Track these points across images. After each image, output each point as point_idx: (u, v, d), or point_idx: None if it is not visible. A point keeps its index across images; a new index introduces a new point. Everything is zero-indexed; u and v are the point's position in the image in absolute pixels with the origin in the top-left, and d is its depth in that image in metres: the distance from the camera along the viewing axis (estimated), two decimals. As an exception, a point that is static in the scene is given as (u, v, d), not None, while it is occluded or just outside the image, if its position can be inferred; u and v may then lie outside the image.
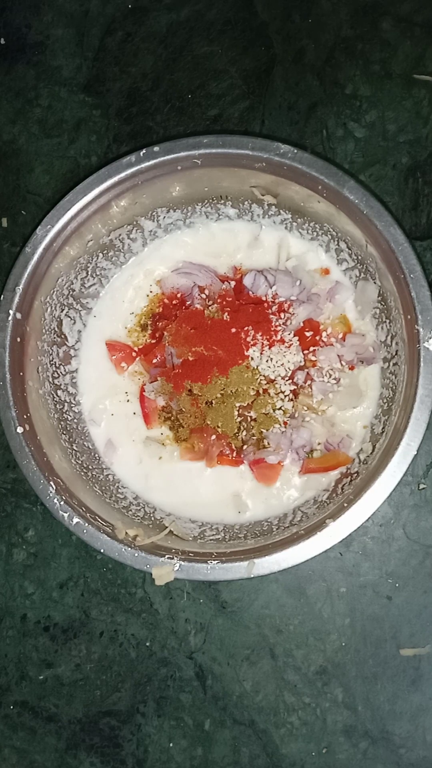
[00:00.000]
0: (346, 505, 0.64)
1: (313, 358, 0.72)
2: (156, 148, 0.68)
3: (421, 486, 0.73)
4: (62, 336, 0.75)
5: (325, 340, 0.73)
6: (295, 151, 0.66)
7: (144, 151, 0.68)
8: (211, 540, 0.70)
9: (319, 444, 0.72)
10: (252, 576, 0.63)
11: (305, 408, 0.72)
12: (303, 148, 0.68)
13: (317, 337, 0.73)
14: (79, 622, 0.75)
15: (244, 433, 0.72)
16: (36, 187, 0.81)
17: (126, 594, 0.75)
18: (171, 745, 0.73)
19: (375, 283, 0.70)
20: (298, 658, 0.73)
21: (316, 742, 0.72)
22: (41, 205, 0.80)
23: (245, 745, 0.72)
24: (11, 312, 0.68)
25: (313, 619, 0.73)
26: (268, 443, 0.71)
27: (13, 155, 0.81)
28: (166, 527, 0.69)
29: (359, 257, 0.71)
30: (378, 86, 0.78)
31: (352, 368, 0.72)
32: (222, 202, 0.74)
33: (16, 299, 0.68)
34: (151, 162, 0.68)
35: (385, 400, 0.70)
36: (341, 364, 0.72)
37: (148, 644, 0.74)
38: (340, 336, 0.73)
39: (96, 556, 0.75)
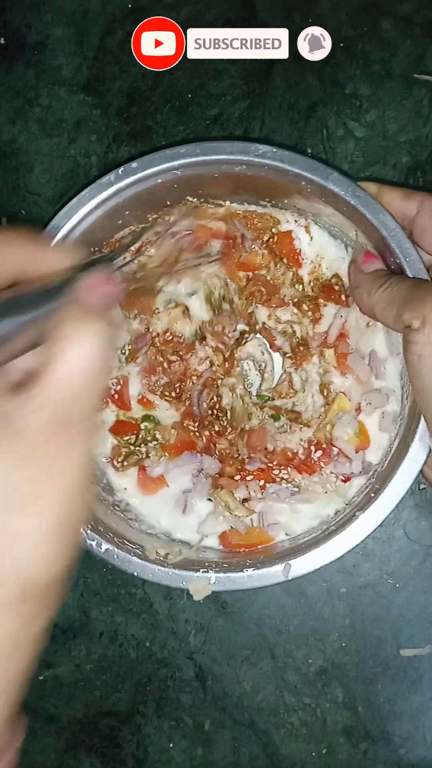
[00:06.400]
0: (372, 495, 0.62)
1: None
2: (134, 164, 0.65)
3: (421, 486, 0.73)
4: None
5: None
6: (275, 150, 0.63)
7: (122, 168, 0.65)
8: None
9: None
10: (289, 578, 0.61)
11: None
12: (292, 147, 0.67)
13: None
14: (79, 623, 0.75)
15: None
16: (36, 186, 0.81)
17: (126, 594, 0.75)
18: (171, 745, 0.73)
19: None
20: (298, 659, 0.72)
21: (317, 743, 0.72)
22: (41, 205, 0.80)
23: (245, 746, 0.72)
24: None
25: (313, 619, 0.73)
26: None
27: (13, 155, 0.81)
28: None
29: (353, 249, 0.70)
30: (378, 86, 0.78)
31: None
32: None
33: None
34: (131, 179, 0.65)
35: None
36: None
37: (148, 645, 0.74)
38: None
39: (96, 557, 0.75)
